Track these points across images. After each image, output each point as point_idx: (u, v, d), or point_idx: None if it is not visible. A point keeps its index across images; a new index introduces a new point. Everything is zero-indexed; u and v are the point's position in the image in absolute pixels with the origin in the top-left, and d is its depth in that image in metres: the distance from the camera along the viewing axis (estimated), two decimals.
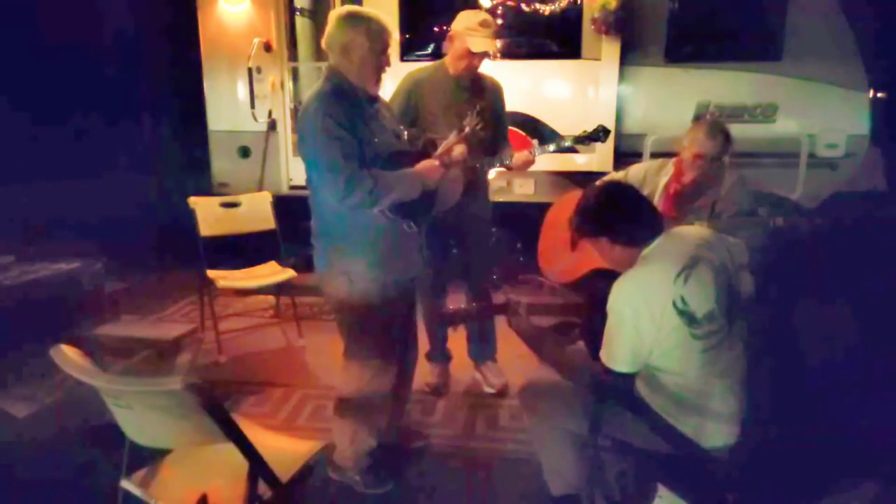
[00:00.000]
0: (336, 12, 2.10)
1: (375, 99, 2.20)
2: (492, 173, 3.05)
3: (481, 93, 2.85)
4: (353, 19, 2.06)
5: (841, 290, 3.14)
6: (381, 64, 2.11)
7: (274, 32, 4.78)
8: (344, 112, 2.01)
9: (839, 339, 2.75)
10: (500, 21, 2.73)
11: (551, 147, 2.91)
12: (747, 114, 4.28)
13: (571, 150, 2.88)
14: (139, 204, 5.48)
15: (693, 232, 1.87)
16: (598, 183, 2.06)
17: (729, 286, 1.70)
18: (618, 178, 2.78)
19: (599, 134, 2.89)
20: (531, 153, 2.87)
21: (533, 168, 3.01)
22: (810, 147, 4.21)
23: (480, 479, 2.46)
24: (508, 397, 3.04)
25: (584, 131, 2.90)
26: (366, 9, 2.12)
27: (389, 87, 2.85)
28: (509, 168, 2.98)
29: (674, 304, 1.63)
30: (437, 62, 2.89)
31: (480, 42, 2.68)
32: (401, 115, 2.76)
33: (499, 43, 2.90)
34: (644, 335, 1.66)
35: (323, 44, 2.13)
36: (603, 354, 1.74)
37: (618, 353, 1.70)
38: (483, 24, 2.68)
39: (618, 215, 1.78)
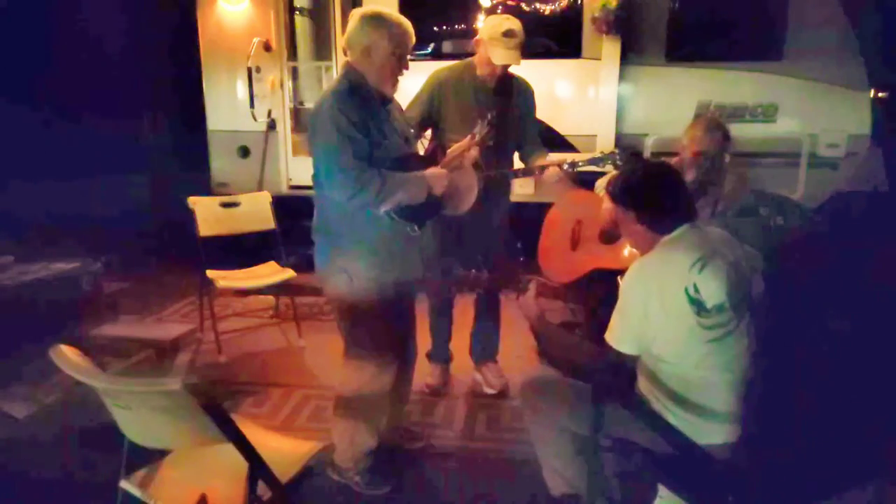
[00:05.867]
0: (359, 12, 2.10)
1: (389, 100, 2.21)
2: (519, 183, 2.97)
3: (508, 95, 2.78)
4: (376, 21, 2.06)
5: (841, 290, 3.13)
6: (399, 67, 2.12)
7: (273, 32, 4.78)
8: (358, 112, 2.02)
9: (839, 339, 2.75)
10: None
11: (566, 165, 2.76)
12: (748, 113, 4.28)
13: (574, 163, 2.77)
14: (138, 204, 5.49)
15: (715, 230, 1.89)
16: (653, 160, 2.05)
17: (741, 284, 1.71)
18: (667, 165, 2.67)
19: (616, 157, 2.74)
20: (561, 168, 2.72)
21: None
22: (811, 147, 4.21)
23: (480, 479, 2.46)
24: (508, 398, 3.03)
25: (614, 150, 2.76)
26: (389, 11, 2.12)
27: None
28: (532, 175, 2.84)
29: (686, 290, 1.64)
30: (466, 61, 2.81)
31: (503, 54, 2.60)
32: (424, 113, 2.74)
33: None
34: (652, 317, 1.67)
35: (343, 41, 2.14)
36: (608, 334, 1.75)
37: (624, 332, 1.72)
38: (507, 34, 2.58)
39: (654, 199, 1.78)
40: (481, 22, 4.50)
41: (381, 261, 2.15)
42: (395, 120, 2.21)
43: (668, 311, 1.66)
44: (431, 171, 2.19)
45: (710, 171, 2.58)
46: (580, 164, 2.72)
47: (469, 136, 2.36)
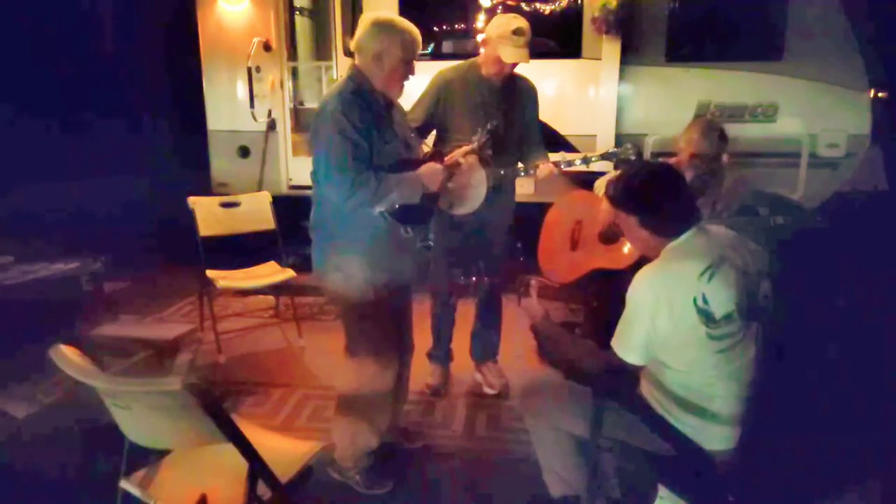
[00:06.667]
0: (370, 18, 2.12)
1: (393, 104, 2.23)
2: (519, 182, 2.98)
3: (512, 96, 2.78)
4: (387, 28, 2.09)
5: (841, 290, 3.13)
6: (407, 73, 2.15)
7: (273, 32, 4.77)
8: (360, 115, 2.03)
9: (839, 339, 2.75)
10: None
11: (577, 162, 2.79)
12: (748, 113, 4.28)
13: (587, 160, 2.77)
14: (138, 204, 5.48)
15: (721, 231, 1.84)
16: (653, 161, 2.04)
17: (749, 290, 1.68)
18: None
19: (629, 153, 2.73)
20: (558, 167, 2.74)
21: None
22: (811, 147, 4.21)
23: (480, 479, 2.46)
24: (508, 398, 3.03)
25: (626, 146, 2.75)
26: (399, 18, 2.16)
27: None
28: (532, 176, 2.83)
29: (694, 300, 1.61)
30: (470, 60, 2.83)
31: (512, 52, 2.60)
32: (429, 113, 2.75)
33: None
34: (659, 328, 1.64)
35: (352, 45, 2.16)
36: (615, 342, 1.72)
37: (631, 342, 1.69)
38: (517, 32, 2.58)
39: (656, 202, 1.74)
40: (481, 22, 4.51)
41: (375, 260, 2.17)
42: (396, 125, 2.22)
43: (676, 322, 1.63)
44: (426, 167, 2.20)
45: (707, 173, 2.59)
46: (592, 159, 2.72)
47: (468, 144, 2.37)
